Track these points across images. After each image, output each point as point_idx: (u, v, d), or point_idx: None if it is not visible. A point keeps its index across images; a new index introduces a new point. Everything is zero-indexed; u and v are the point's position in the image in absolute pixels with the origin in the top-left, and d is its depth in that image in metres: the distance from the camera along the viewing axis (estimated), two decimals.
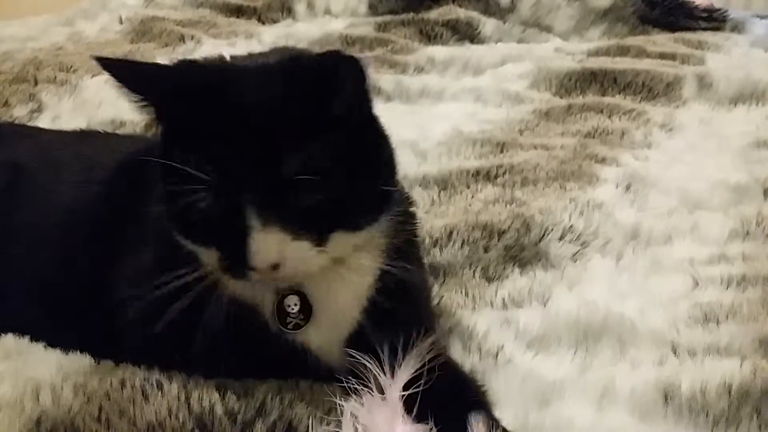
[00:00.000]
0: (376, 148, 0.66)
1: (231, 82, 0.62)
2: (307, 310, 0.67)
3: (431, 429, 0.62)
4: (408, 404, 0.62)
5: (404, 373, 0.63)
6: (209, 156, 0.59)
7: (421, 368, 0.64)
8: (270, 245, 0.59)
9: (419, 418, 0.62)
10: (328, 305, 0.68)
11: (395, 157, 0.68)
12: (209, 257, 0.63)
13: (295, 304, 0.67)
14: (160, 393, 0.65)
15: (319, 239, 0.61)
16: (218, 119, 0.60)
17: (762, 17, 2.34)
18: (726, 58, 1.91)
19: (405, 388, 0.63)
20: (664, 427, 0.68)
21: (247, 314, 0.67)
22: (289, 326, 0.67)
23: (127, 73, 0.64)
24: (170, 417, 0.63)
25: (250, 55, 0.70)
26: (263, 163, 0.58)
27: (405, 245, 0.71)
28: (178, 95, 0.61)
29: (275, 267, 0.60)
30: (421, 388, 0.62)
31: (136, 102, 0.64)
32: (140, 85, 0.63)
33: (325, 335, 0.68)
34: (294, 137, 0.59)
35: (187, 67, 0.65)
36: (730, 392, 0.69)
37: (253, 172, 0.58)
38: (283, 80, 0.61)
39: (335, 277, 0.66)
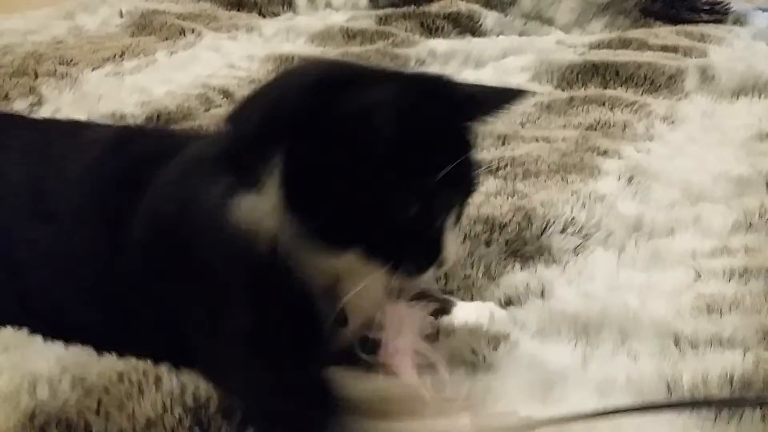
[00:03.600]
0: None
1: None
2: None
3: None
4: None
5: None
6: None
7: None
8: (454, 244, 0.66)
9: None
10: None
11: None
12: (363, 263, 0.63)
13: None
14: (155, 388, 0.65)
15: None
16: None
17: (764, 10, 2.33)
18: (728, 50, 1.90)
19: None
20: (666, 418, 0.67)
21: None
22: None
23: None
24: (167, 412, 0.63)
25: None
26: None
27: None
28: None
29: None
30: None
31: None
32: None
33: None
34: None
35: None
36: (732, 383, 0.69)
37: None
38: None
39: None
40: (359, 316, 0.70)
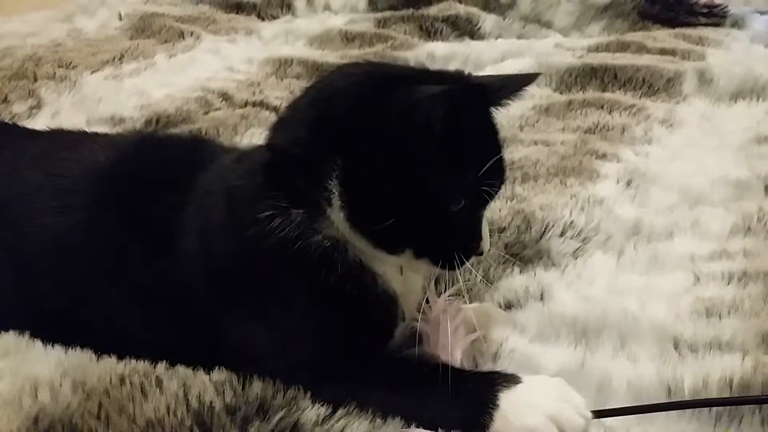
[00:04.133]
0: None
1: None
2: None
3: None
4: None
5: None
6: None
7: None
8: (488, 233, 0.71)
9: None
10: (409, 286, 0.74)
11: None
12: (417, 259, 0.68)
13: None
14: (158, 390, 0.65)
15: None
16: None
17: (762, 13, 2.33)
18: (726, 53, 1.90)
19: None
20: (665, 422, 0.67)
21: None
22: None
23: None
24: (169, 414, 0.63)
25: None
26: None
27: None
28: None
29: None
30: None
31: None
32: None
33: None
34: None
35: None
36: (731, 387, 0.69)
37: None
38: None
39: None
40: (410, 311, 0.75)
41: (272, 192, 0.67)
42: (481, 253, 0.70)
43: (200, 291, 0.70)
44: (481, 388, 0.66)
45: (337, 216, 0.66)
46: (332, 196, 0.65)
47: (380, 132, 0.63)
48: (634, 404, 0.68)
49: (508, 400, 0.64)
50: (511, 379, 0.66)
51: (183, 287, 0.71)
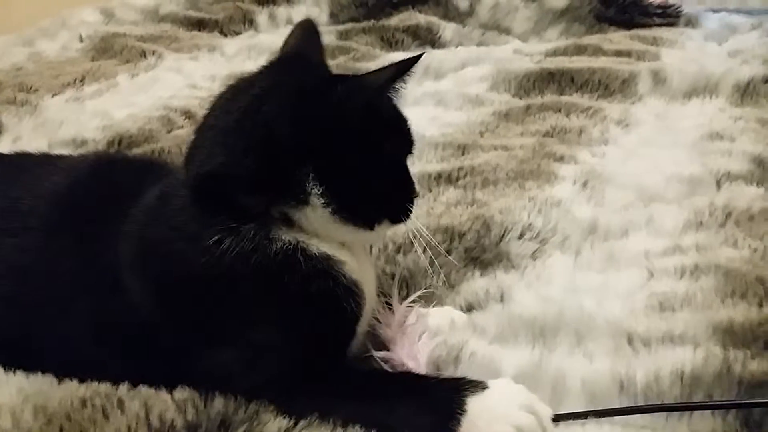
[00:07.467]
0: None
1: None
2: None
3: None
4: None
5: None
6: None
7: None
8: None
9: None
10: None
11: None
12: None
13: None
14: (120, 411, 0.66)
15: None
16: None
17: (715, 11, 2.39)
18: (680, 52, 1.94)
19: None
20: (619, 418, 0.69)
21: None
22: None
23: None
24: None
25: None
26: None
27: None
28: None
29: None
30: None
31: None
32: None
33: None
34: None
35: None
36: (682, 380, 0.71)
37: None
38: None
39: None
40: (371, 298, 0.77)
41: (213, 218, 0.69)
42: (418, 194, 0.79)
43: (157, 326, 0.71)
44: (448, 395, 0.68)
45: (314, 214, 0.70)
46: (310, 197, 0.69)
47: (346, 129, 0.70)
48: (588, 402, 0.70)
49: (475, 405, 0.66)
50: (477, 385, 0.68)
51: (137, 323, 0.71)
